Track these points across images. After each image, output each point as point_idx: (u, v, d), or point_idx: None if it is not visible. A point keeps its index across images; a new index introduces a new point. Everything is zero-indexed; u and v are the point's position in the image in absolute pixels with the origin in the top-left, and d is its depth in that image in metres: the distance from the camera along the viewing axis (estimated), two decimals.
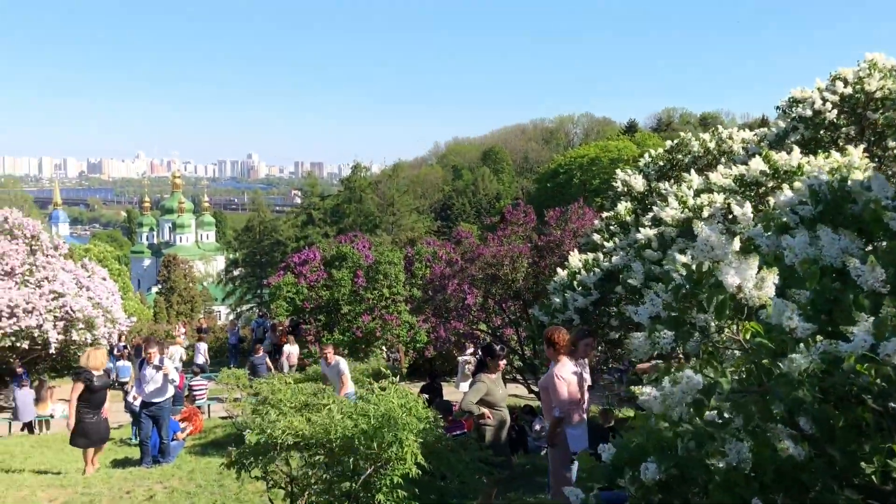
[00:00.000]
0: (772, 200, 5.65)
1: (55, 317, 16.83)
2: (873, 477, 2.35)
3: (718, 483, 2.46)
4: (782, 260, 3.16)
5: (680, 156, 11.27)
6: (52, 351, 17.22)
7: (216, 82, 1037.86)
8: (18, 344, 16.32)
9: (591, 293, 8.52)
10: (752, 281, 2.71)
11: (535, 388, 13.47)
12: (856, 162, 6.17)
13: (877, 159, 8.60)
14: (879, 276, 2.62)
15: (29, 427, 15.43)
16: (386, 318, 22.32)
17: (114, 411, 11.83)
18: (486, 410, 7.31)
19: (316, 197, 59.77)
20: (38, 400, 15.60)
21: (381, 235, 43.71)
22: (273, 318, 24.69)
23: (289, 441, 5.44)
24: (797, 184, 4.71)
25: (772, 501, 2.40)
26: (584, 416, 7.35)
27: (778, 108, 9.99)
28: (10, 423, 15.47)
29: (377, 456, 5.05)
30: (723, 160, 10.29)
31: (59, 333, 16.89)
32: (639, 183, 10.71)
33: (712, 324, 2.76)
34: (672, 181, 10.10)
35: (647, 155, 12.08)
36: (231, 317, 59.38)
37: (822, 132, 8.87)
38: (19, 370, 16.53)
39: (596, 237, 9.98)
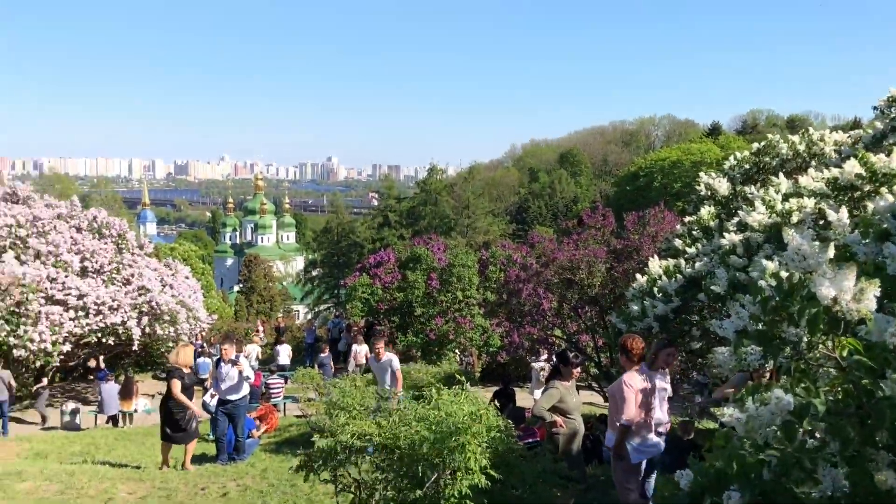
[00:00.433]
0: (869, 205, 5.28)
1: (140, 312, 17.39)
2: None
3: None
4: (884, 269, 2.90)
5: (767, 158, 10.80)
6: (135, 347, 17.79)
7: (298, 86, 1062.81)
8: (104, 340, 16.93)
9: (672, 300, 8.20)
10: (850, 293, 2.48)
11: None
12: None
13: None
14: None
15: (113, 420, 16.02)
16: (459, 322, 22.26)
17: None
18: (558, 418, 7.12)
19: (392, 199, 60.30)
20: (125, 395, 16.16)
21: (455, 238, 43.72)
22: (348, 319, 24.97)
23: (357, 445, 5.40)
24: None
25: None
26: (661, 428, 7.08)
27: (875, 108, 9.44)
28: (95, 415, 16.08)
29: (443, 464, 4.94)
30: (813, 163, 9.80)
31: (142, 329, 17.43)
32: (723, 186, 10.31)
33: (805, 339, 2.54)
34: (758, 185, 9.69)
35: (732, 157, 11.62)
36: (309, 316, 60.57)
37: None
38: (96, 364, 17.13)
39: (677, 242, 9.65)
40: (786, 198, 7.29)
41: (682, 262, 8.64)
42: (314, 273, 64.50)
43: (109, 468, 9.60)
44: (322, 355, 20.63)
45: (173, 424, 9.91)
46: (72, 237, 17.43)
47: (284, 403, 17.71)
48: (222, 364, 10.74)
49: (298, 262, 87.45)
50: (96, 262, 17.56)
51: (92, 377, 17.50)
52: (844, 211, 4.97)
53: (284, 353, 22.38)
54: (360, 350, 20.92)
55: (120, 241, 19.23)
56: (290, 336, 29.55)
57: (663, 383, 7.14)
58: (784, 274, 2.75)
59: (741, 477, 2.40)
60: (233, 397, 10.78)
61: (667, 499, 2.57)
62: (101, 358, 17.65)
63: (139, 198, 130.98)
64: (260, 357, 23.23)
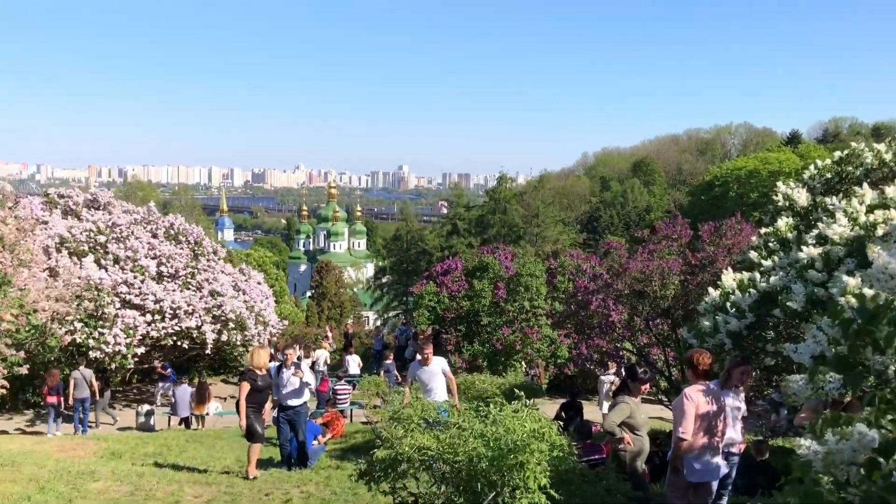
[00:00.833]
0: None
1: (212, 317, 17.81)
2: None
3: None
4: None
5: (850, 168, 10.28)
6: (208, 350, 18.21)
7: (370, 97, 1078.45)
8: (179, 343, 17.39)
9: (746, 316, 7.86)
10: None
11: None
12: None
13: None
14: None
15: (186, 422, 16.42)
16: (526, 332, 22.00)
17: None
18: (627, 435, 6.90)
19: (461, 207, 60.33)
20: (199, 399, 16.54)
21: (524, 247, 43.36)
22: (415, 327, 25.01)
23: (415, 457, 5.33)
24: None
25: None
26: (734, 448, 6.79)
27: None
28: (169, 416, 16.51)
29: (502, 482, 4.82)
30: None
31: (214, 334, 17.82)
32: (802, 197, 9.86)
33: (892, 367, 2.32)
34: (840, 196, 9.21)
35: (812, 167, 11.11)
36: (378, 322, 61.09)
37: None
38: (166, 371, 17.58)
39: (752, 255, 9.26)
40: (870, 209, 6.90)
41: (757, 275, 8.29)
42: (383, 280, 65.08)
43: (178, 471, 9.79)
44: (387, 362, 20.65)
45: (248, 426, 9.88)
46: (148, 242, 17.99)
47: (351, 410, 17.82)
48: (283, 369, 10.76)
49: (369, 269, 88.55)
50: (172, 267, 18.08)
51: (157, 380, 17.99)
52: None
53: (354, 363, 22.46)
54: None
55: (196, 247, 19.77)
56: (358, 343, 29.80)
57: (737, 402, 6.85)
58: (868, 293, 2.52)
59: None
60: (294, 403, 10.74)
61: None
62: (165, 362, 18.06)
63: (218, 205, 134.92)
64: (329, 362, 23.46)
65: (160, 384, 17.60)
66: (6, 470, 8.81)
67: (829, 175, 10.49)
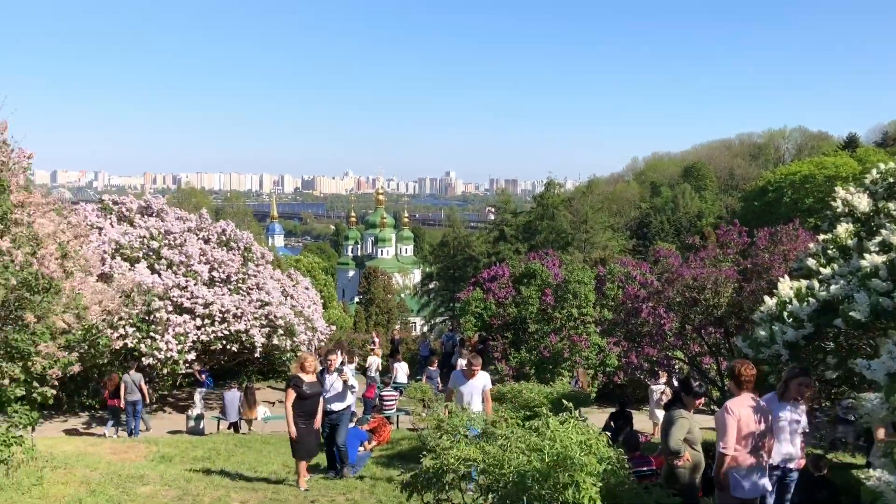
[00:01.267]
0: None
1: (261, 323, 17.97)
2: None
3: None
4: None
5: None
6: (257, 354, 18.38)
7: (417, 103, 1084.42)
8: (228, 346, 17.59)
9: (804, 326, 7.55)
10: None
11: None
12: None
13: None
14: None
15: (234, 426, 16.58)
16: (574, 340, 21.71)
17: None
18: (686, 453, 6.69)
19: (509, 213, 60.08)
20: (248, 403, 16.71)
21: (572, 253, 42.92)
22: (462, 333, 24.91)
23: (461, 470, 5.22)
24: None
25: None
26: (792, 464, 6.55)
27: None
28: (218, 420, 16.70)
29: (551, 497, 4.67)
30: None
31: (263, 338, 17.97)
32: (863, 202, 9.48)
33: None
34: None
35: (874, 171, 10.67)
36: (425, 329, 61.18)
37: None
38: (202, 377, 17.80)
39: (810, 262, 8.92)
40: None
41: (816, 283, 7.97)
42: (430, 286, 65.19)
43: (225, 476, 9.85)
44: (430, 368, 20.54)
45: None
46: (200, 248, 18.26)
47: (398, 416, 17.79)
48: (326, 374, 10.73)
49: (416, 275, 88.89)
50: (223, 273, 18.31)
51: (195, 385, 18.26)
52: None
53: (402, 372, 22.45)
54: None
55: (246, 253, 20.01)
56: (405, 348, 29.81)
57: (795, 415, 6.61)
58: None
59: None
60: (336, 407, 10.70)
61: None
62: (204, 368, 18.23)
63: (268, 211, 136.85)
64: (380, 368, 23.53)
65: (197, 390, 17.88)
66: (59, 472, 8.97)
67: (892, 179, 10.06)
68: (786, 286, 8.31)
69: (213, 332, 16.84)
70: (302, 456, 9.44)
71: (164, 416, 18.01)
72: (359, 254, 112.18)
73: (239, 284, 18.53)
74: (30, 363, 6.97)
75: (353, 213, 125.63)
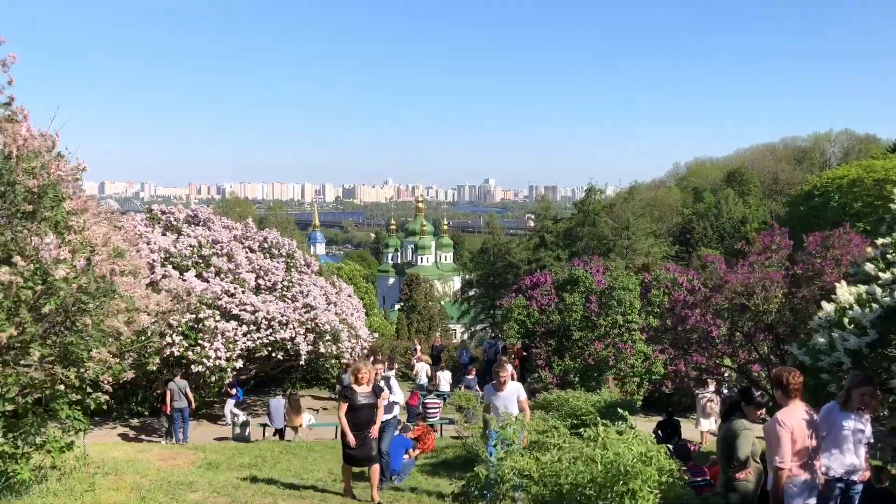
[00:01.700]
0: None
1: (306, 329, 18.04)
2: None
3: None
4: None
5: None
6: (302, 362, 18.46)
7: (456, 111, 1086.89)
8: (273, 354, 17.69)
9: (868, 333, 7.29)
10: None
11: None
12: None
13: None
14: None
15: (280, 433, 16.67)
16: (619, 347, 21.40)
17: None
18: (751, 468, 6.51)
19: (549, 220, 59.60)
20: (293, 411, 16.79)
21: (614, 259, 42.39)
22: (504, 340, 24.73)
23: (515, 480, 5.12)
24: None
25: None
26: (856, 476, 6.32)
27: None
28: (264, 427, 16.81)
29: None
30: None
31: (308, 345, 18.04)
32: None
33: None
34: None
35: None
36: (465, 336, 61.03)
37: None
38: (232, 389, 17.97)
39: (868, 267, 8.62)
40: None
41: (877, 289, 7.70)
42: (470, 293, 65.02)
43: (273, 483, 9.86)
44: (468, 377, 20.40)
45: (346, 444, 9.22)
46: (246, 256, 18.43)
47: (441, 424, 17.71)
48: (385, 381, 10.68)
49: (455, 282, 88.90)
50: (269, 280, 18.44)
51: (225, 397, 18.41)
52: None
53: (445, 380, 22.39)
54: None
55: (289, 261, 20.16)
56: (446, 356, 29.72)
57: (859, 425, 6.38)
58: None
59: None
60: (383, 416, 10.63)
61: None
62: (233, 380, 18.31)
63: (310, 220, 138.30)
64: (429, 374, 23.52)
65: (228, 401, 18.06)
66: (110, 478, 9.07)
67: None
68: (845, 292, 8.06)
69: (258, 338, 16.96)
70: (351, 464, 9.25)
71: (200, 426, 18.16)
72: (399, 261, 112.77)
73: (283, 292, 18.64)
74: (83, 369, 7.03)
75: (392, 221, 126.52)
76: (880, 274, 8.18)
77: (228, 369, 16.18)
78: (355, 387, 9.12)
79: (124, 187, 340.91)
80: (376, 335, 25.09)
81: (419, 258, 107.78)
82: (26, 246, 6.48)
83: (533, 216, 71.95)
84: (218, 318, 16.14)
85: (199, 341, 15.71)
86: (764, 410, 7.15)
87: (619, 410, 5.72)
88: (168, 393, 15.62)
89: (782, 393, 6.08)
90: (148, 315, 8.04)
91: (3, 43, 7.17)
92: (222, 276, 17.33)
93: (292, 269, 19.82)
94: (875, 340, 7.27)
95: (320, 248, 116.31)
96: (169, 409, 15.65)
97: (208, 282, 16.61)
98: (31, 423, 7.41)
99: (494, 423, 9.02)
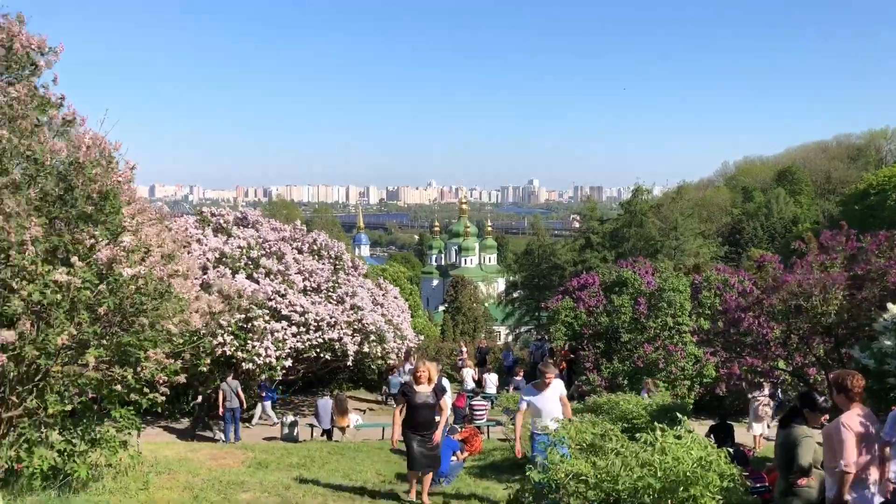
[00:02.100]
0: None
1: (353, 329, 18.12)
2: None
3: None
4: None
5: None
6: (349, 363, 18.54)
7: (500, 112, 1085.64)
8: (322, 355, 17.79)
9: None
10: None
11: None
12: None
13: None
14: None
15: (327, 433, 16.77)
16: (670, 349, 21.01)
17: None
18: (813, 474, 6.29)
19: (594, 221, 58.90)
20: (340, 411, 16.90)
21: (662, 260, 41.73)
22: (551, 342, 24.51)
23: (571, 485, 5.00)
24: None
25: None
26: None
27: None
28: (312, 428, 16.92)
29: None
30: None
31: (355, 346, 18.12)
32: None
33: None
34: None
35: None
36: (509, 338, 60.74)
37: None
38: (262, 393, 18.15)
39: None
40: None
41: None
42: (515, 295, 64.69)
43: (322, 484, 9.89)
44: (516, 378, 20.27)
45: (409, 450, 8.94)
46: (294, 258, 18.58)
47: (488, 427, 17.61)
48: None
49: (499, 284, 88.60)
50: (314, 282, 18.56)
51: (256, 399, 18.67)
52: None
53: (491, 383, 22.34)
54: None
55: (337, 262, 20.26)
56: (491, 357, 29.61)
57: None
58: None
59: None
60: None
61: None
62: (264, 382, 18.44)
63: (355, 222, 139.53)
64: (475, 377, 23.49)
65: (264, 403, 18.26)
66: (163, 477, 9.19)
67: None
68: None
69: (307, 339, 17.07)
70: (414, 468, 8.88)
71: (249, 426, 18.39)
72: (442, 263, 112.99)
73: (329, 293, 18.73)
74: (140, 368, 7.13)
75: (436, 223, 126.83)
76: None
77: (278, 367, 16.32)
78: (415, 386, 8.85)
79: (174, 190, 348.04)
80: (422, 337, 25.13)
81: (463, 260, 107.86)
82: (82, 248, 6.59)
83: (578, 217, 71.13)
84: (268, 318, 16.29)
85: (249, 340, 15.88)
86: (827, 416, 6.87)
87: (678, 414, 5.54)
88: (220, 393, 15.92)
89: (844, 397, 5.92)
90: (200, 316, 8.12)
91: (63, 51, 7.31)
92: (272, 276, 17.50)
93: (339, 271, 19.92)
94: None
95: (365, 250, 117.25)
96: (222, 409, 15.92)
97: (258, 282, 16.77)
98: (88, 421, 7.54)
99: (539, 424, 8.92)
